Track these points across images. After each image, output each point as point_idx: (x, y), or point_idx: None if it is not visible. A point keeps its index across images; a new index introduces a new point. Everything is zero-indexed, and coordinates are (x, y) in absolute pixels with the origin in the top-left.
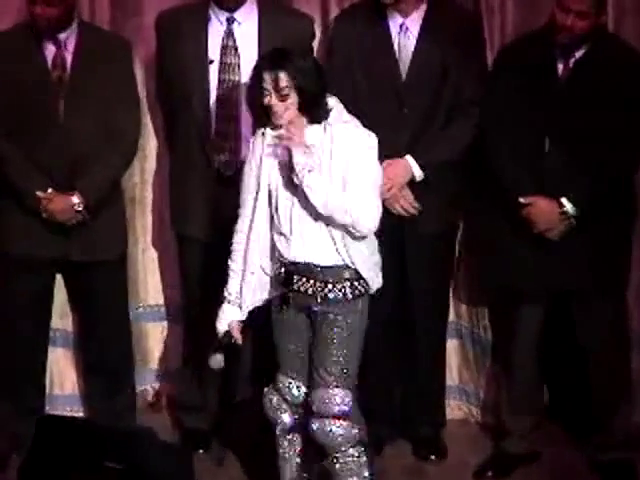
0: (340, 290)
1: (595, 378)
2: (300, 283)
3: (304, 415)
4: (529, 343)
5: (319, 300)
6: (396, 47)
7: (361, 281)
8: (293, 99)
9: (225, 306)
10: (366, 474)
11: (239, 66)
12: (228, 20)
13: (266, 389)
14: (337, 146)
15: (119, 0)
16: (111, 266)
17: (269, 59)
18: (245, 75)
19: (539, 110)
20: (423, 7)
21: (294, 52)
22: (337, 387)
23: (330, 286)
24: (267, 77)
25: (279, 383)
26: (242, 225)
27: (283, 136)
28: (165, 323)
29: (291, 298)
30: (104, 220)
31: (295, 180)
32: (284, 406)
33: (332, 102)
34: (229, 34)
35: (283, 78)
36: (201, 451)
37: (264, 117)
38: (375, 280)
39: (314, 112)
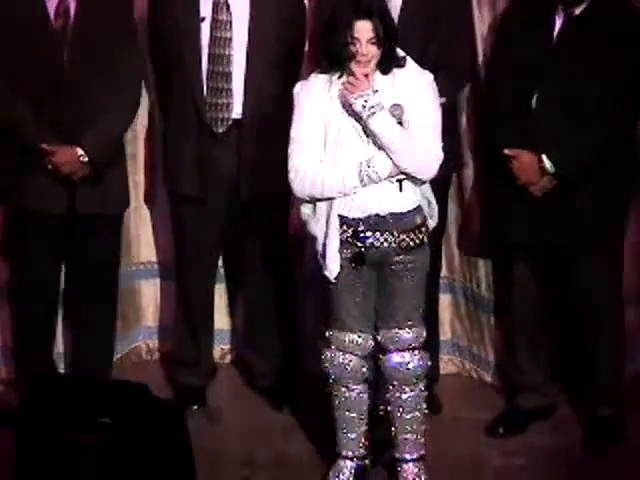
0: (417, 236)
1: (588, 335)
2: (373, 238)
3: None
4: (526, 297)
5: (399, 251)
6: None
7: (426, 223)
8: (378, 48)
9: None
10: (425, 406)
11: (231, 23)
12: None
13: (327, 351)
14: (399, 89)
15: None
16: (111, 223)
17: (363, 9)
18: (237, 32)
19: (531, 66)
20: None
21: (378, 1)
22: (415, 326)
23: (411, 235)
24: (361, 26)
25: (344, 341)
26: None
27: (353, 83)
28: (158, 280)
29: (365, 256)
30: (109, 175)
31: (364, 119)
32: (357, 360)
33: (400, 52)
34: None
35: (379, 27)
36: (195, 407)
37: (334, 64)
38: (434, 218)
39: (390, 61)
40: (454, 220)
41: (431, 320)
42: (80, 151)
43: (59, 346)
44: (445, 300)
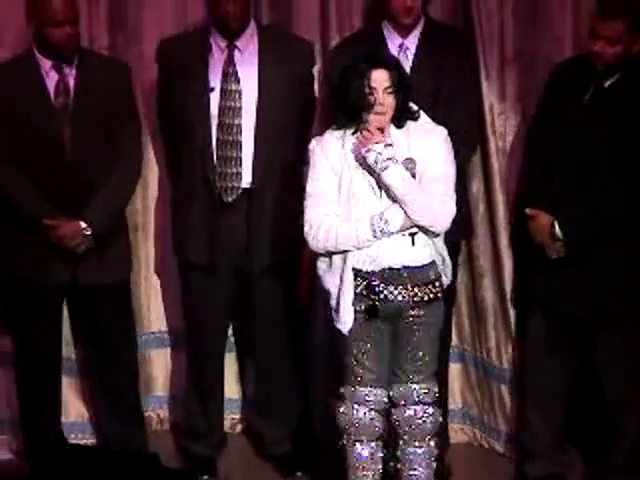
0: (431, 291)
1: (609, 408)
2: (387, 292)
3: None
4: (542, 361)
5: (412, 305)
6: None
7: (440, 279)
8: (395, 97)
9: None
10: (435, 466)
11: (240, 93)
12: (229, 47)
13: (341, 406)
14: (413, 143)
15: (119, 28)
16: (117, 291)
17: (379, 59)
18: (247, 101)
19: (559, 134)
20: (420, 27)
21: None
22: (427, 381)
23: (424, 289)
24: (377, 75)
25: (359, 395)
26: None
27: (367, 136)
28: (168, 350)
29: (379, 308)
30: (109, 245)
31: (377, 172)
32: (372, 414)
33: (413, 105)
34: (230, 61)
35: (395, 76)
36: (206, 477)
37: (350, 116)
38: (449, 276)
39: (405, 114)
40: (464, 289)
41: (441, 387)
42: (83, 224)
43: (70, 416)
44: (455, 369)
